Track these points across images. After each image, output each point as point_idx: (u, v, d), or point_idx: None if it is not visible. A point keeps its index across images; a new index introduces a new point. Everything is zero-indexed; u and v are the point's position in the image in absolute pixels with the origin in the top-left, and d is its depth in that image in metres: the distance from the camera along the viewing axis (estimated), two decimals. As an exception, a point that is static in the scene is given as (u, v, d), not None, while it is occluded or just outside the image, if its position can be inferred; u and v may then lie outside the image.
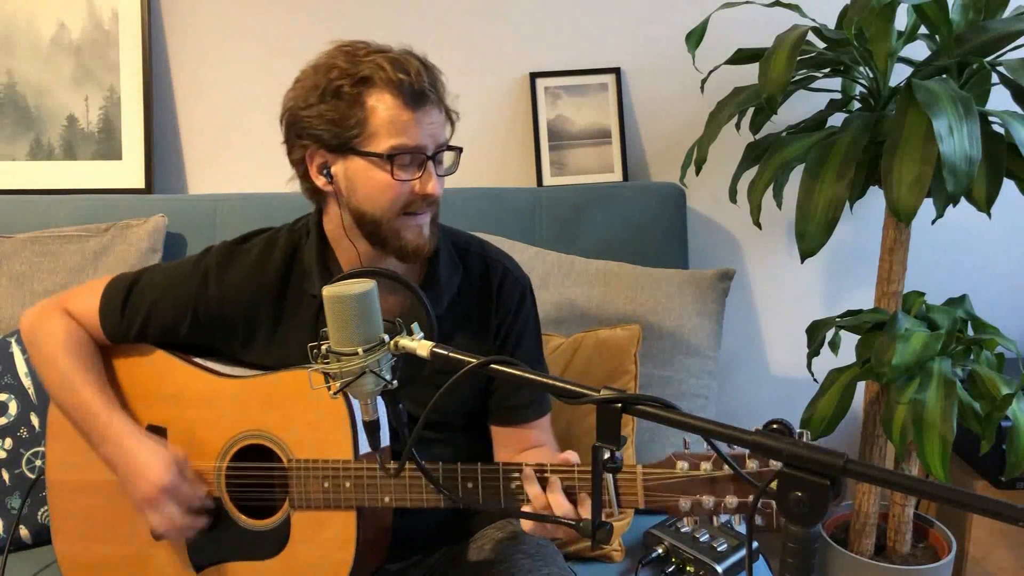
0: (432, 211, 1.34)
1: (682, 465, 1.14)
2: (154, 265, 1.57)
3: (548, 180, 2.23)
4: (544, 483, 1.19)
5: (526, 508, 1.20)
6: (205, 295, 1.42)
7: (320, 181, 1.33)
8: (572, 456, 1.21)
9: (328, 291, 1.03)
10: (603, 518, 1.04)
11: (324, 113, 1.28)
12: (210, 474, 1.39)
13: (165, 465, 1.34)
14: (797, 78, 1.85)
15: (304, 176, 1.35)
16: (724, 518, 1.13)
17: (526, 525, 1.20)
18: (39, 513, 1.75)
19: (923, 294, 1.93)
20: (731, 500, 1.11)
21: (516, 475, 1.21)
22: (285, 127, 1.34)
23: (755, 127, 1.96)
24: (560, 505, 1.17)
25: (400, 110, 1.26)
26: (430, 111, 1.29)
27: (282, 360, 1.39)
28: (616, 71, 2.22)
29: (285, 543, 1.34)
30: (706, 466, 1.12)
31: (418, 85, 1.26)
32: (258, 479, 1.37)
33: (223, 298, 1.42)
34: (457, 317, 1.42)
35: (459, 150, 1.35)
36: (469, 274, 1.44)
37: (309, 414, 1.32)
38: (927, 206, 1.61)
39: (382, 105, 1.26)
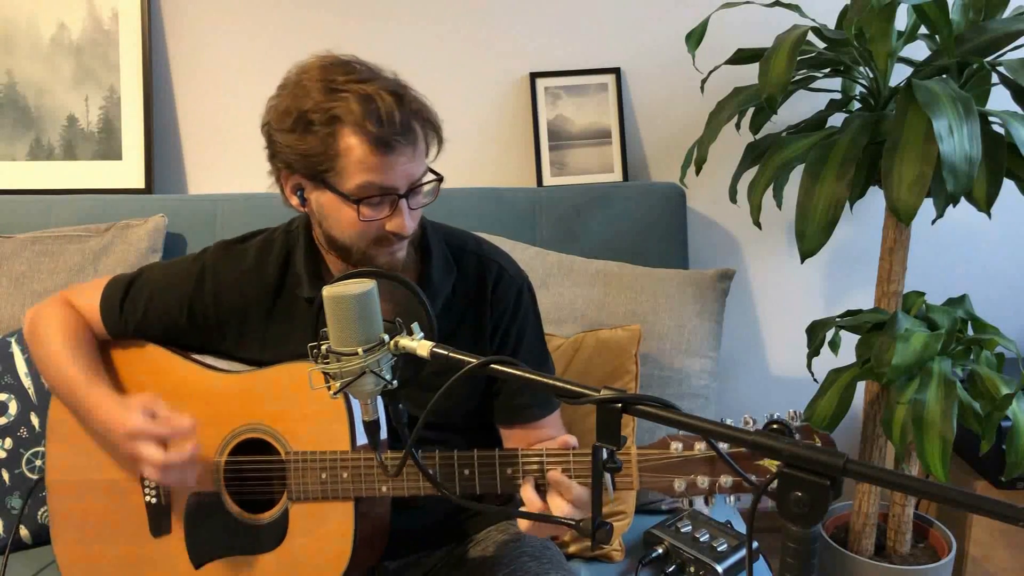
0: (406, 241, 1.31)
1: (676, 446, 1.14)
2: (154, 263, 1.58)
3: (548, 180, 2.23)
4: (542, 490, 1.19)
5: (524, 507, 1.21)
6: (201, 293, 1.43)
7: (294, 201, 1.33)
8: (571, 439, 1.22)
9: (328, 291, 1.03)
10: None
11: (295, 144, 1.25)
12: (209, 468, 1.39)
13: (129, 410, 1.33)
14: (797, 78, 1.85)
15: (281, 191, 1.35)
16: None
17: (523, 525, 1.20)
18: (39, 513, 1.75)
19: (923, 294, 1.93)
20: (725, 480, 1.12)
21: (512, 461, 1.22)
22: (265, 139, 1.32)
23: (755, 127, 1.96)
24: (559, 507, 1.17)
25: (369, 154, 1.22)
26: (403, 151, 1.23)
27: (275, 361, 1.39)
28: (616, 71, 2.22)
29: (283, 537, 1.34)
30: (700, 447, 1.13)
31: (389, 129, 1.21)
32: (257, 472, 1.37)
33: (219, 297, 1.43)
34: (452, 319, 1.42)
35: (439, 179, 1.30)
36: (464, 275, 1.44)
37: (307, 407, 1.33)
38: (927, 206, 1.61)
39: (351, 147, 1.22)
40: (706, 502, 1.15)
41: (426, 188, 1.30)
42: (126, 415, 1.33)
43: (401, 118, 1.22)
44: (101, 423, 1.37)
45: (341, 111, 1.21)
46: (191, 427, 1.31)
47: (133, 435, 1.31)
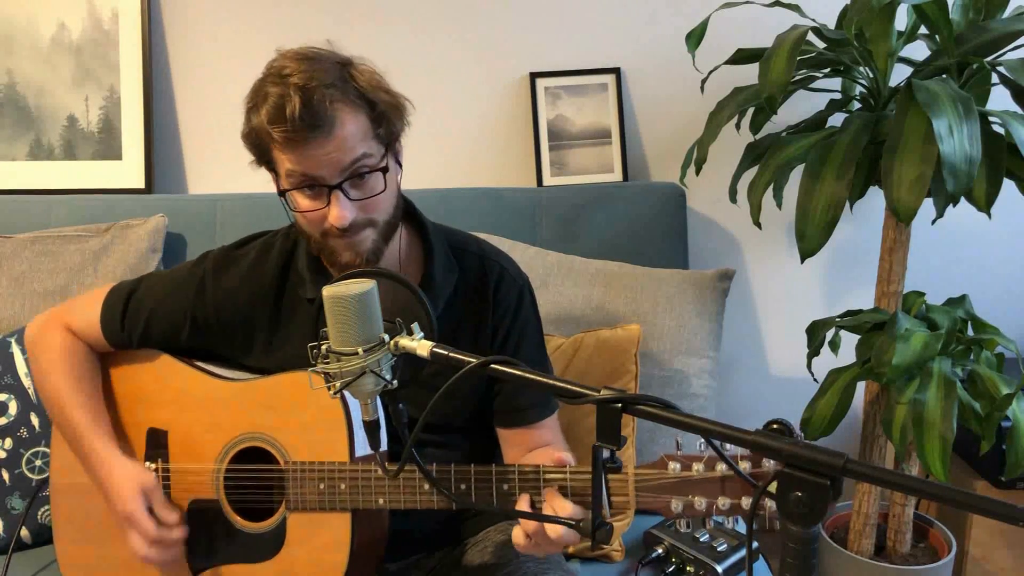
0: (364, 231, 1.28)
1: (674, 466, 1.14)
2: (152, 272, 1.58)
3: (548, 180, 2.23)
4: (538, 507, 1.18)
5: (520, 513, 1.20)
6: (203, 301, 1.42)
7: (276, 190, 1.33)
8: (567, 456, 1.21)
9: (328, 291, 1.02)
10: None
11: (248, 137, 1.30)
12: (209, 476, 1.39)
13: (130, 493, 1.35)
14: (797, 78, 1.85)
15: None
16: (717, 520, 1.13)
17: (519, 544, 1.17)
18: (39, 513, 1.75)
19: (923, 294, 1.93)
20: (723, 501, 1.11)
21: (509, 477, 1.21)
22: None
23: (755, 127, 1.96)
24: (554, 528, 1.14)
25: (281, 149, 1.25)
26: (317, 143, 1.21)
27: (281, 364, 1.39)
28: (616, 71, 2.22)
29: (281, 546, 1.34)
30: (698, 467, 1.12)
31: (290, 125, 1.20)
32: (256, 481, 1.37)
33: (220, 304, 1.42)
34: (453, 319, 1.41)
35: (381, 169, 1.27)
36: (465, 275, 1.44)
37: (306, 417, 1.33)
38: (927, 206, 1.61)
39: (271, 143, 1.26)
40: (703, 523, 1.14)
41: (368, 177, 1.27)
42: (126, 495, 1.35)
43: (304, 112, 1.19)
44: (100, 481, 1.40)
45: (259, 107, 1.24)
46: (178, 537, 1.36)
47: (126, 519, 1.36)
